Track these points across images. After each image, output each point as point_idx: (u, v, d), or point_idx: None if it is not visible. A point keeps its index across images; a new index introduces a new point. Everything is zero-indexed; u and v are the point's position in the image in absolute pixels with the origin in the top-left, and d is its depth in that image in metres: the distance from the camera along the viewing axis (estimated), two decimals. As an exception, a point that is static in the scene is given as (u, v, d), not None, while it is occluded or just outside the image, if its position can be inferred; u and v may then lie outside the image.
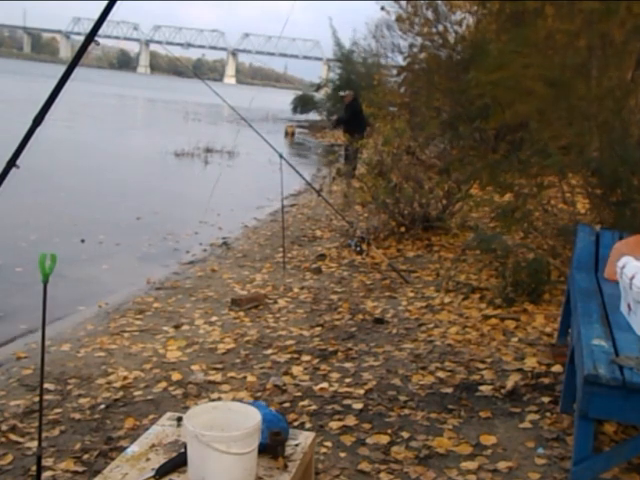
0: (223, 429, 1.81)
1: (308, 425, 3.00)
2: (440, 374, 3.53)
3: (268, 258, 6.64)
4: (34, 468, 2.38)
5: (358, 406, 3.19)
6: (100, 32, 2.30)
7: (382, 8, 10.30)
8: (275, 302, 5.12)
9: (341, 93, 13.10)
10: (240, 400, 3.17)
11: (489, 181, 5.93)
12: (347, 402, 3.24)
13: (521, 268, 4.53)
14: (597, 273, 3.46)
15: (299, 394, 3.37)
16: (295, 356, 3.95)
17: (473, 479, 2.55)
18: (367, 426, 2.99)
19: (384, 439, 2.86)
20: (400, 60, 11.81)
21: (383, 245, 6.58)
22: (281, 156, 6.24)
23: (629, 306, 2.63)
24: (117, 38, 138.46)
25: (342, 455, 2.76)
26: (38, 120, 2.21)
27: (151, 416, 3.17)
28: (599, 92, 4.84)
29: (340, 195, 8.62)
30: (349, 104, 12.66)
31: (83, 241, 7.05)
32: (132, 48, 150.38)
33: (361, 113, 12.13)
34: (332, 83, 26.58)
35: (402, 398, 3.26)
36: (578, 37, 5.13)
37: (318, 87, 28.66)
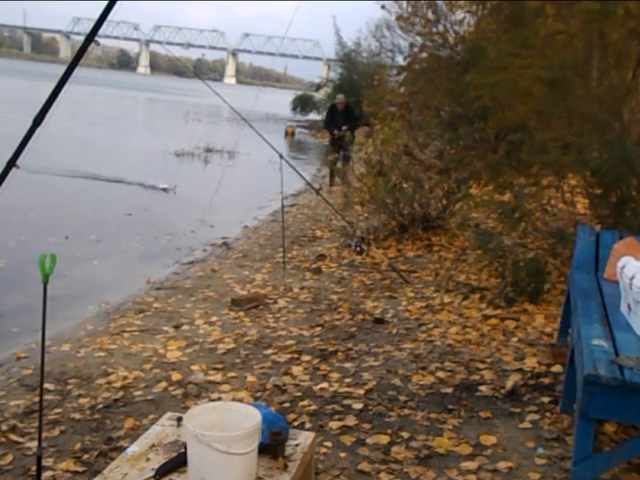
0: (223, 429, 1.82)
1: (308, 425, 3.00)
2: (440, 374, 3.53)
3: (268, 258, 6.64)
4: (34, 468, 2.38)
5: (358, 406, 3.19)
6: (100, 32, 2.30)
7: (382, 7, 10.30)
8: (275, 302, 5.12)
9: (339, 97, 12.96)
10: (240, 400, 3.17)
11: (489, 180, 5.92)
12: (347, 402, 3.24)
13: (520, 268, 4.53)
14: (597, 273, 3.46)
15: (299, 394, 3.37)
16: (295, 356, 3.95)
17: (473, 479, 2.55)
18: (367, 426, 2.99)
19: (384, 439, 2.86)
20: (400, 60, 11.82)
21: (383, 245, 6.58)
22: (281, 156, 6.24)
23: (629, 306, 2.63)
24: (117, 38, 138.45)
25: (342, 455, 2.76)
26: (38, 120, 2.21)
27: (151, 416, 3.18)
28: (599, 92, 4.84)
29: (340, 195, 8.62)
30: (343, 109, 12.53)
31: (67, 237, 7.11)
32: (132, 48, 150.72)
33: (354, 115, 12.19)
34: (332, 83, 26.56)
35: (402, 398, 3.26)
36: (577, 37, 5.12)
37: (318, 87, 28.64)
